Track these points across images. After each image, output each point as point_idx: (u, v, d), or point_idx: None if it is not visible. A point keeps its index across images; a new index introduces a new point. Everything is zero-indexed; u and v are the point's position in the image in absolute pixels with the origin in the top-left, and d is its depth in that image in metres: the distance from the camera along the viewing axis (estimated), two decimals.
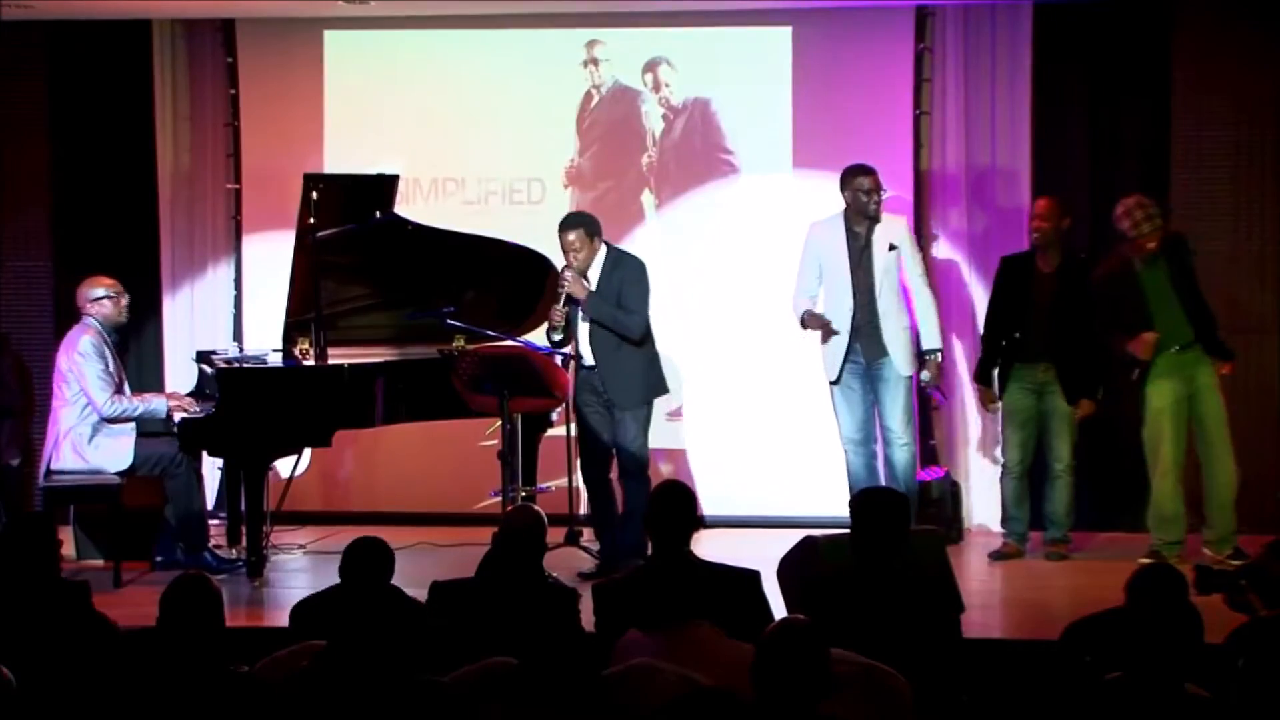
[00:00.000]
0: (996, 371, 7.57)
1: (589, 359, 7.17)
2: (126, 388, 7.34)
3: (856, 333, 7.44)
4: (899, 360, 7.45)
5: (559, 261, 7.42)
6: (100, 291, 7.31)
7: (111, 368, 7.21)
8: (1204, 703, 3.72)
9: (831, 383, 7.53)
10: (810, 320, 7.48)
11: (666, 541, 4.83)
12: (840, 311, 7.48)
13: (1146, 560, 6.83)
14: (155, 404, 7.24)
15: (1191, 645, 3.89)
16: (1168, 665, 3.69)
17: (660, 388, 7.30)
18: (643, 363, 7.19)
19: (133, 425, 7.19)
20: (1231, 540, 7.19)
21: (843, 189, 7.46)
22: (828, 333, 7.45)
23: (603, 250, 7.19)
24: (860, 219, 7.44)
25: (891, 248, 7.43)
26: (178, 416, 7.20)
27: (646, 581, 4.65)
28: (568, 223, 7.22)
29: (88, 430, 7.15)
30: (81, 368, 7.12)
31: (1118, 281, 7.23)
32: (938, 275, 8.15)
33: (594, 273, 7.17)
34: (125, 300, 7.37)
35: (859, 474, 7.55)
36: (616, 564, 7.02)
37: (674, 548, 4.81)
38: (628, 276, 7.15)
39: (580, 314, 7.16)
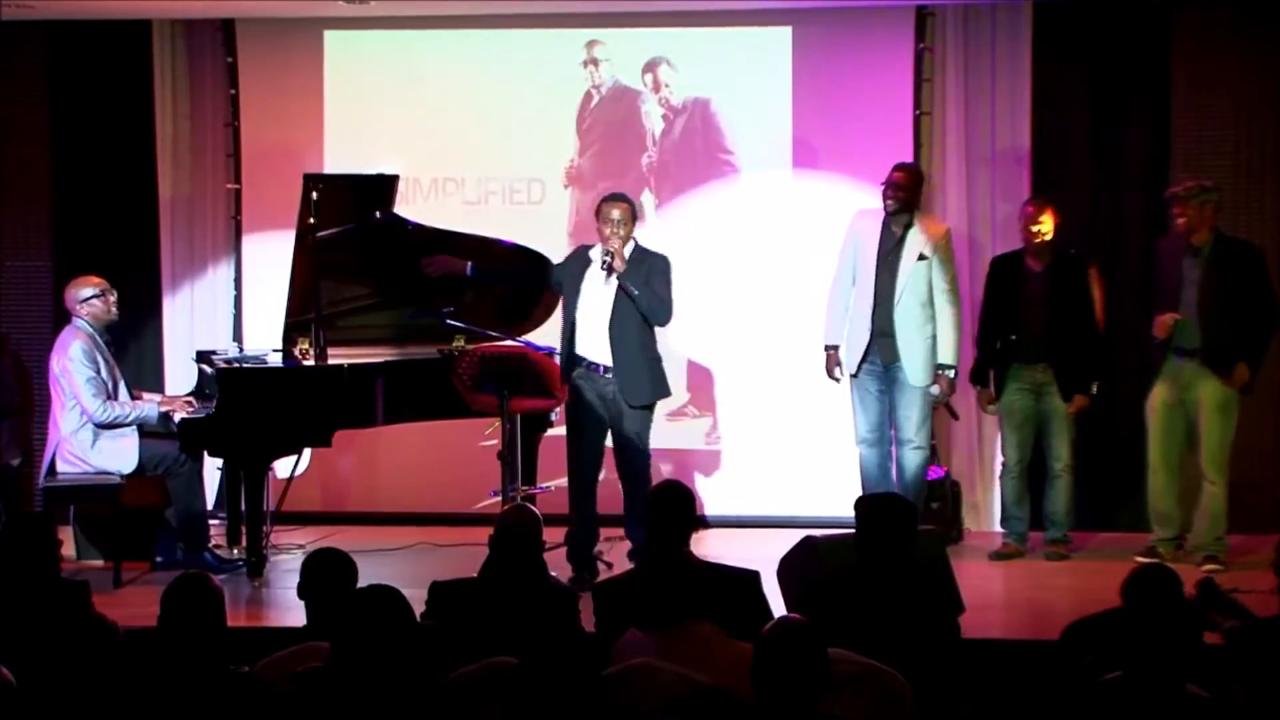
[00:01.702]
0: (993, 372, 7.58)
1: (600, 358, 7.00)
2: (124, 389, 7.32)
3: (876, 335, 7.44)
4: (912, 370, 7.42)
5: (559, 262, 7.41)
6: (89, 291, 7.27)
7: (104, 372, 7.19)
8: (1204, 703, 3.72)
9: (851, 376, 7.54)
10: (830, 358, 7.59)
11: (665, 541, 4.83)
12: (863, 308, 7.48)
13: (1142, 559, 6.86)
14: (147, 410, 7.22)
15: (1190, 644, 3.89)
16: (1166, 665, 3.69)
17: (666, 389, 7.20)
18: (653, 362, 7.07)
19: (134, 427, 7.20)
20: (1210, 548, 7.19)
21: None
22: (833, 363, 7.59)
23: (631, 243, 7.04)
24: (897, 216, 7.44)
25: (922, 257, 7.41)
26: (178, 417, 7.20)
27: (646, 581, 4.65)
28: (616, 196, 7.09)
29: (89, 436, 7.14)
30: (72, 374, 7.10)
31: (1164, 256, 7.30)
32: None
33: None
34: (113, 297, 7.32)
35: (871, 474, 7.55)
36: (590, 568, 7.01)
37: (673, 548, 4.81)
38: (656, 267, 7.00)
39: (617, 295, 6.95)
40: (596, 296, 7.01)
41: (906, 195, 7.44)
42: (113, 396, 7.20)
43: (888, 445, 7.58)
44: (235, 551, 7.54)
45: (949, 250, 7.56)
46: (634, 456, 7.08)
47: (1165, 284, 7.26)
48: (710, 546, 7.62)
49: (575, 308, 7.05)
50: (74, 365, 7.10)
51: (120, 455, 7.16)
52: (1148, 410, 7.35)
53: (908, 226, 7.45)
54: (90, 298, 7.26)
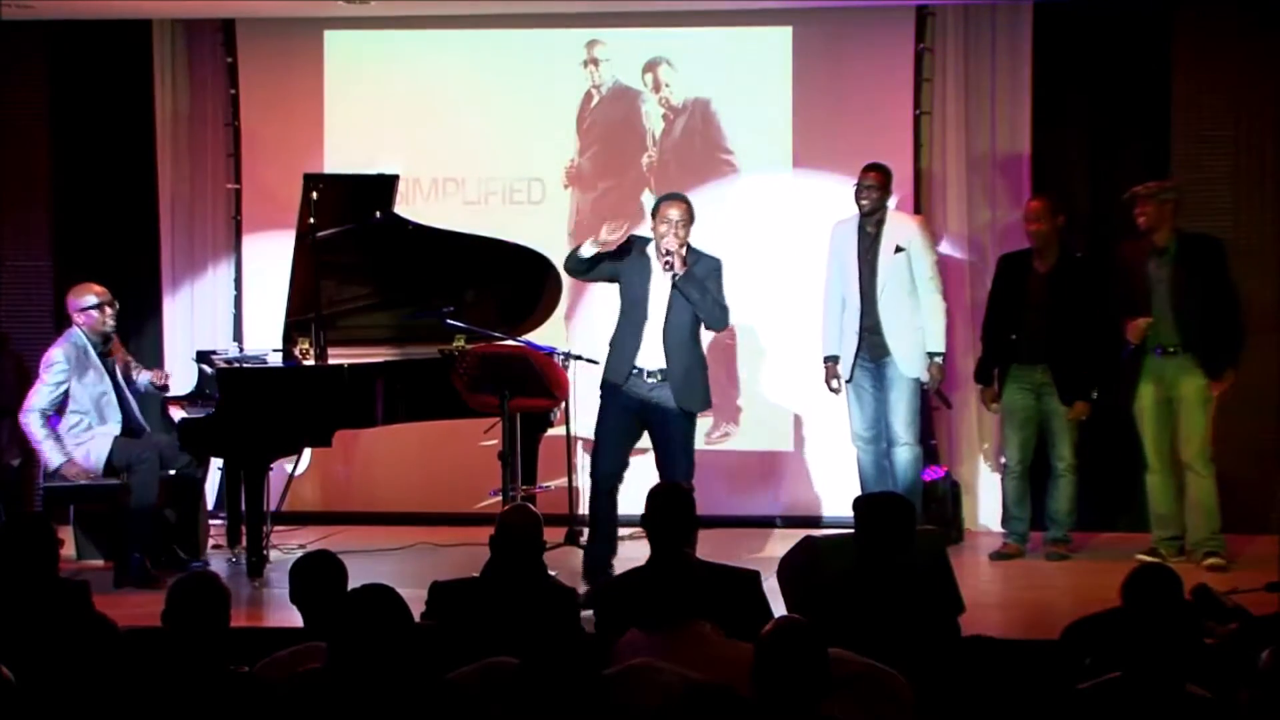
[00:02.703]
0: (996, 371, 7.59)
1: (648, 362, 6.83)
2: (111, 401, 7.21)
3: (864, 333, 7.46)
4: (902, 362, 7.44)
5: (559, 262, 7.39)
6: (89, 300, 7.23)
7: (78, 388, 7.12)
8: (1204, 703, 3.72)
9: (845, 381, 7.55)
10: (828, 370, 7.60)
11: (666, 542, 4.83)
12: (851, 310, 7.50)
13: (1143, 558, 6.86)
14: (51, 455, 7.10)
15: (1190, 644, 3.88)
16: (1166, 665, 3.69)
17: (709, 398, 7.07)
18: (704, 369, 6.95)
19: (117, 423, 7.16)
20: (1208, 544, 7.19)
21: None
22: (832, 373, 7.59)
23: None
24: (870, 218, 7.46)
25: (898, 250, 7.43)
26: (76, 464, 7.11)
27: (646, 581, 4.65)
28: (675, 195, 6.95)
29: (79, 431, 7.15)
30: (42, 375, 7.14)
31: (1131, 264, 7.30)
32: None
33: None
34: (112, 310, 7.27)
35: (869, 472, 7.57)
36: (603, 571, 6.88)
37: (673, 548, 4.81)
38: (713, 270, 6.85)
39: (672, 297, 6.77)
40: (653, 297, 6.85)
41: (880, 195, 7.47)
42: (94, 410, 7.17)
43: (884, 443, 7.59)
44: (235, 552, 7.54)
45: (927, 239, 7.60)
46: (681, 462, 6.82)
47: (1134, 287, 7.26)
48: (710, 546, 7.61)
49: (643, 305, 6.83)
50: (47, 370, 7.14)
51: (93, 453, 7.15)
52: (1136, 412, 7.35)
53: (880, 223, 7.47)
54: (88, 308, 7.23)
